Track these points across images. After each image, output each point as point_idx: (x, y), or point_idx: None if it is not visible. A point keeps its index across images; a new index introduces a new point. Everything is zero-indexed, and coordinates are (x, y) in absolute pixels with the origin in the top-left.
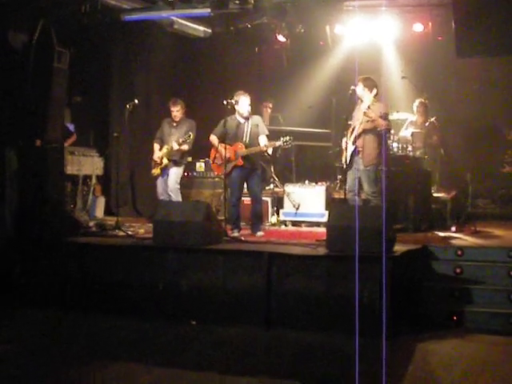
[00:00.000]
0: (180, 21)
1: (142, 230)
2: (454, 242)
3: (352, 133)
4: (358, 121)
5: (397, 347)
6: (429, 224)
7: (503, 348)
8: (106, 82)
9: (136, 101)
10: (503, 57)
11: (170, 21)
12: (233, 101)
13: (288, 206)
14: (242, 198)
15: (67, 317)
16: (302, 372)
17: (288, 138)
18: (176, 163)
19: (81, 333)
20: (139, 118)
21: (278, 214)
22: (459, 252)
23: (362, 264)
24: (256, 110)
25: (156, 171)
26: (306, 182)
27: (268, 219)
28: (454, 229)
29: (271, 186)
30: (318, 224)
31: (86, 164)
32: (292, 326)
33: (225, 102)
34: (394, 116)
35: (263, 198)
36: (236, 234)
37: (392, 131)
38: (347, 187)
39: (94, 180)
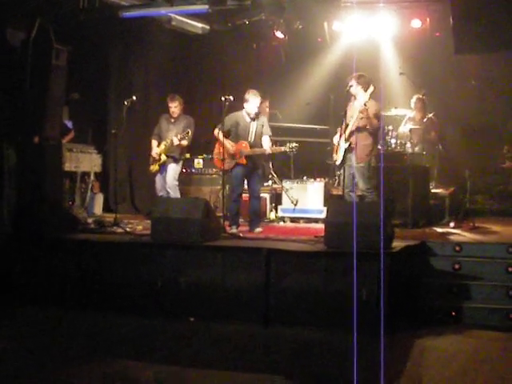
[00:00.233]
0: (178, 17)
1: (141, 226)
2: (452, 237)
3: (345, 130)
4: (352, 118)
5: (395, 343)
6: (427, 220)
7: (502, 344)
8: (104, 79)
9: (134, 97)
10: (501, 53)
11: (168, 17)
12: (245, 97)
13: (286, 203)
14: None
15: (66, 314)
16: (300, 369)
17: (294, 144)
18: (174, 159)
19: (80, 331)
20: (137, 115)
21: (276, 210)
22: (457, 248)
23: (361, 260)
24: None
25: (154, 167)
26: (305, 178)
27: (266, 215)
28: (452, 225)
29: (269, 182)
30: (316, 220)
31: (85, 161)
32: (290, 323)
33: (223, 99)
34: (392, 112)
35: (261, 195)
36: (234, 230)
37: (391, 127)
38: (343, 184)
39: (92, 177)
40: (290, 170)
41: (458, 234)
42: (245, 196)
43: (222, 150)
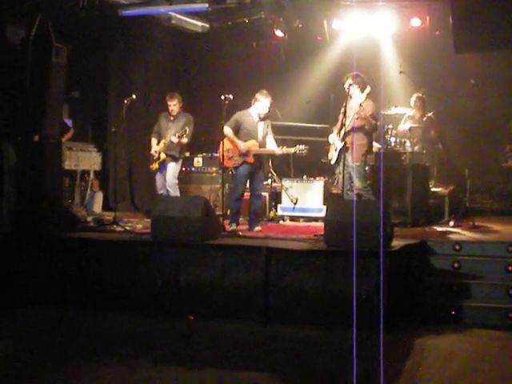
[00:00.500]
0: (178, 16)
1: (140, 225)
2: (452, 236)
3: (340, 129)
4: (348, 118)
5: (395, 342)
6: (427, 219)
7: (501, 343)
8: (104, 77)
9: (134, 96)
10: (501, 51)
11: (167, 16)
12: (256, 97)
13: (286, 201)
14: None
15: (66, 313)
16: (299, 367)
17: (303, 146)
18: (174, 158)
19: (80, 330)
20: (137, 113)
21: (275, 209)
22: (457, 247)
23: (360, 259)
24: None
25: (154, 166)
26: (304, 177)
27: (266, 214)
28: (451, 223)
29: (269, 181)
30: (315, 219)
31: (84, 159)
32: (290, 321)
33: (222, 97)
34: (391, 111)
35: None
36: (234, 227)
37: (390, 125)
38: (342, 183)
39: (91, 175)
40: (290, 168)
41: (458, 232)
42: (245, 194)
43: (230, 148)
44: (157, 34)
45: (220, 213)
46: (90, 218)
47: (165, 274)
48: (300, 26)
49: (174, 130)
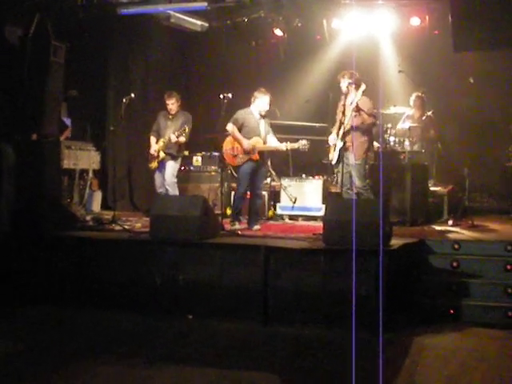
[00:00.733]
0: (177, 15)
1: (139, 224)
2: (450, 235)
3: (339, 129)
4: (345, 117)
5: (393, 341)
6: (426, 218)
7: (500, 342)
8: (102, 76)
9: (133, 95)
10: (500, 51)
11: (166, 15)
12: (255, 95)
13: (285, 200)
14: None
15: (65, 312)
16: (299, 366)
17: (305, 141)
18: (173, 157)
19: (79, 329)
20: (136, 112)
21: (274, 207)
22: (456, 246)
23: (359, 258)
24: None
25: (153, 165)
26: (303, 176)
27: (265, 213)
28: (450, 222)
29: (268, 179)
30: (314, 218)
31: (83, 158)
32: (289, 321)
33: (221, 96)
34: (391, 110)
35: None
36: (238, 226)
37: (389, 125)
38: (341, 182)
39: (90, 174)
40: (289, 167)
41: (457, 231)
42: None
43: (234, 146)
44: (156, 32)
45: (219, 212)
46: (88, 217)
47: (164, 273)
48: (299, 25)
49: (172, 129)
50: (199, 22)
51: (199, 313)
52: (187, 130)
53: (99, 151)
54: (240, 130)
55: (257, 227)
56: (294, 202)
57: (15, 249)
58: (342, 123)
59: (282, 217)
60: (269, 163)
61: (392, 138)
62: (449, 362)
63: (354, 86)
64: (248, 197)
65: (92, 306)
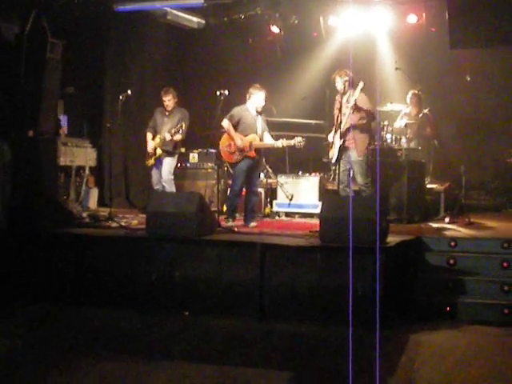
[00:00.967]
0: (173, 11)
1: (135, 221)
2: (447, 233)
3: (339, 127)
4: (344, 115)
5: (390, 338)
6: (422, 215)
7: (496, 339)
8: (99, 73)
9: (129, 92)
10: (496, 48)
11: (163, 11)
12: (250, 91)
13: (281, 197)
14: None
15: (61, 309)
16: (295, 363)
17: (300, 138)
18: (169, 153)
19: (76, 326)
20: (132, 109)
21: (271, 205)
22: (453, 243)
23: (355, 255)
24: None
25: (150, 161)
26: (300, 173)
27: (261, 210)
28: (447, 220)
29: (264, 176)
30: (311, 215)
31: (80, 155)
32: (285, 317)
33: (218, 93)
34: (387, 107)
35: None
36: (231, 223)
37: (386, 122)
38: (338, 179)
39: (87, 171)
40: (285, 164)
41: (454, 229)
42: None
43: (231, 143)
44: (152, 29)
45: (215, 209)
46: (85, 214)
47: (160, 270)
48: (296, 22)
49: (169, 126)
50: (196, 19)
51: (195, 309)
52: (184, 127)
53: (96, 148)
54: (236, 126)
55: (253, 224)
56: (291, 199)
57: (11, 246)
58: (340, 121)
59: (278, 214)
60: (264, 161)
61: (389, 136)
62: (445, 359)
63: (350, 83)
64: (244, 194)
65: (89, 303)
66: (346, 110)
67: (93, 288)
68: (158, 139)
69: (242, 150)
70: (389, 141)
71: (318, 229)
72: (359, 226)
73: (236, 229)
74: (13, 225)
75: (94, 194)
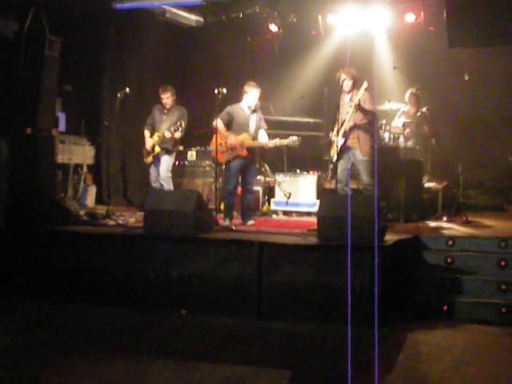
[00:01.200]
0: (172, 10)
1: (133, 219)
2: (445, 231)
3: (341, 125)
4: (348, 114)
5: (388, 336)
6: (420, 214)
7: (493, 338)
8: (97, 71)
9: (127, 89)
10: (495, 47)
11: (161, 9)
12: (244, 89)
13: (279, 196)
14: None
15: (58, 307)
16: (292, 361)
17: (295, 138)
18: (167, 151)
19: (73, 323)
20: (130, 107)
21: (269, 203)
22: (450, 242)
23: (353, 253)
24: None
25: (149, 159)
26: (298, 171)
27: (259, 208)
28: (445, 219)
29: (261, 175)
30: (308, 213)
31: (77, 153)
32: (283, 316)
33: (216, 91)
34: (385, 106)
35: (254, 188)
36: (228, 223)
37: (384, 121)
38: (337, 178)
39: (84, 169)
40: (283, 163)
41: (451, 228)
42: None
43: (222, 142)
44: (151, 27)
45: (213, 207)
46: (82, 212)
47: (157, 268)
48: (294, 20)
49: (168, 123)
50: (194, 17)
51: (193, 308)
52: (183, 125)
53: (93, 146)
54: (230, 125)
55: (251, 222)
56: (289, 198)
57: (8, 243)
58: (343, 121)
59: (276, 212)
60: (261, 159)
61: (386, 134)
62: (442, 358)
63: (355, 83)
64: (239, 192)
65: (86, 301)
66: (350, 109)
67: (90, 286)
68: (156, 137)
69: (233, 148)
70: (387, 140)
71: (315, 227)
72: (357, 224)
73: (234, 227)
74: (10, 222)
75: (92, 191)
